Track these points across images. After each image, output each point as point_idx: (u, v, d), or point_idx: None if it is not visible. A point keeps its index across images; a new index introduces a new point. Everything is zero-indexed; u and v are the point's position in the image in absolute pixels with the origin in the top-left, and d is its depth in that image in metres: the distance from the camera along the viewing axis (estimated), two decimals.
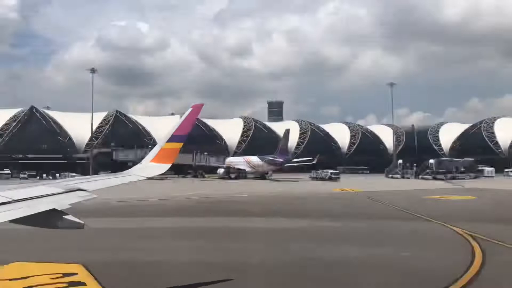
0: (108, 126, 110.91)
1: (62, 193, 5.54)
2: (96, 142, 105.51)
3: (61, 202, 5.09)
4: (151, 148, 9.34)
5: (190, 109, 9.13)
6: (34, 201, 4.91)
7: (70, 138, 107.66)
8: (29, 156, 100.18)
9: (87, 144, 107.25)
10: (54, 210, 4.77)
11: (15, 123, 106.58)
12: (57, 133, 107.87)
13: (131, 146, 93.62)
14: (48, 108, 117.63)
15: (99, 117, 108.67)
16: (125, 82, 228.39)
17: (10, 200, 4.61)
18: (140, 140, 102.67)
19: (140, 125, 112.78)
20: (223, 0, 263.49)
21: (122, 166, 77.67)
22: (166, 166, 8.36)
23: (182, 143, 8.66)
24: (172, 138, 8.66)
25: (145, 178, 7.80)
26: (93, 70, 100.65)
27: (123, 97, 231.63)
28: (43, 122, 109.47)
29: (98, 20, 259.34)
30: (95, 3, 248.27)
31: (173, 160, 8.55)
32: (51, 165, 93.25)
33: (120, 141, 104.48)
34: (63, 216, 4.75)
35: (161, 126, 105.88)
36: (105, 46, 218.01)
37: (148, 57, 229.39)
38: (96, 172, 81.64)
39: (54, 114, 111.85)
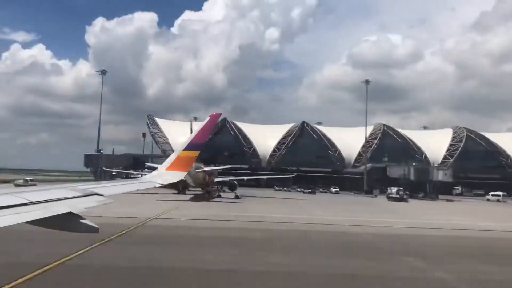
0: (376, 140, 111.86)
1: (79, 197, 5.53)
2: (364, 156, 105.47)
3: (77, 206, 5.08)
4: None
5: (207, 118, 9.13)
6: (50, 203, 4.90)
7: (339, 152, 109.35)
8: (302, 169, 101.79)
9: (356, 159, 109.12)
10: (70, 213, 4.75)
11: (290, 137, 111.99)
12: (327, 147, 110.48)
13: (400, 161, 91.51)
14: (319, 123, 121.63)
15: (362, 131, 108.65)
16: (373, 98, 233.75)
17: (28, 201, 4.60)
18: (410, 155, 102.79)
19: (410, 139, 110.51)
20: (487, 3, 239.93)
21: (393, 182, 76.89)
22: (181, 174, 8.33)
23: (199, 152, 8.64)
24: (189, 147, 8.64)
25: (161, 185, 7.77)
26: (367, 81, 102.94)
27: (369, 113, 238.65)
28: (314, 136, 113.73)
29: (348, 40, 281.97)
30: (347, 25, 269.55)
31: (189, 168, 8.51)
32: (322, 178, 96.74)
33: (389, 156, 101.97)
34: (80, 220, 4.72)
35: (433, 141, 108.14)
36: (355, 63, 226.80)
37: (399, 71, 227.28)
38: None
39: (323, 129, 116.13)
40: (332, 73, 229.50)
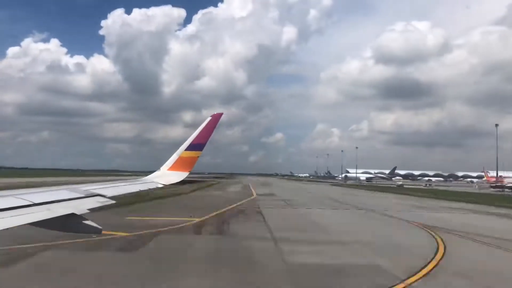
0: None
1: (82, 197, 5.54)
2: None
3: (80, 207, 5.09)
4: None
5: (209, 118, 9.13)
6: (53, 205, 4.90)
7: None
8: None
9: None
10: (73, 214, 4.76)
11: None
12: None
13: None
14: None
15: None
16: (393, 95, 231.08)
17: (31, 203, 4.61)
18: None
19: None
20: None
21: None
22: (184, 175, 8.35)
23: (201, 152, 8.65)
24: (190, 147, 8.65)
25: (163, 185, 7.78)
26: None
27: (387, 109, 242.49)
28: None
29: (372, 32, 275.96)
30: (367, 16, 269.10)
31: (191, 168, 8.52)
32: None
33: None
34: (82, 221, 4.74)
35: None
36: (379, 58, 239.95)
37: (423, 65, 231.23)
38: None
39: None
40: (351, 70, 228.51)
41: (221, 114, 9.23)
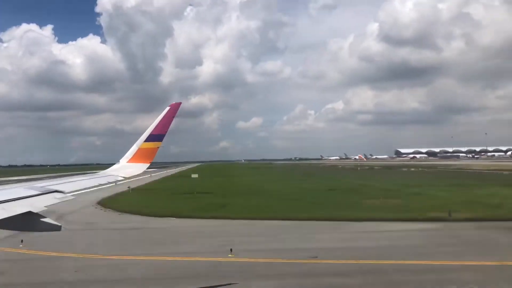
0: None
1: (38, 195, 5.43)
2: None
3: (37, 205, 5.00)
4: None
5: (167, 108, 9.06)
6: (8, 203, 4.79)
7: None
8: None
9: None
10: (30, 212, 4.67)
11: None
12: None
13: None
14: None
15: None
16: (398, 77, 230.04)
17: None
18: None
19: None
20: None
21: None
22: (144, 166, 8.29)
23: (161, 142, 8.59)
24: (150, 138, 8.58)
25: (123, 178, 7.70)
26: None
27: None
28: None
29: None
30: None
31: (151, 159, 8.46)
32: None
33: None
34: (40, 219, 4.66)
35: None
36: (384, 36, 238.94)
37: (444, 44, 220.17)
38: None
39: None
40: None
41: (179, 104, 9.18)
